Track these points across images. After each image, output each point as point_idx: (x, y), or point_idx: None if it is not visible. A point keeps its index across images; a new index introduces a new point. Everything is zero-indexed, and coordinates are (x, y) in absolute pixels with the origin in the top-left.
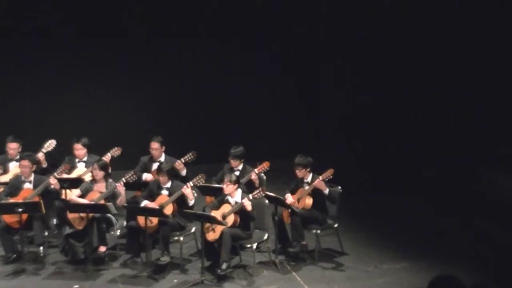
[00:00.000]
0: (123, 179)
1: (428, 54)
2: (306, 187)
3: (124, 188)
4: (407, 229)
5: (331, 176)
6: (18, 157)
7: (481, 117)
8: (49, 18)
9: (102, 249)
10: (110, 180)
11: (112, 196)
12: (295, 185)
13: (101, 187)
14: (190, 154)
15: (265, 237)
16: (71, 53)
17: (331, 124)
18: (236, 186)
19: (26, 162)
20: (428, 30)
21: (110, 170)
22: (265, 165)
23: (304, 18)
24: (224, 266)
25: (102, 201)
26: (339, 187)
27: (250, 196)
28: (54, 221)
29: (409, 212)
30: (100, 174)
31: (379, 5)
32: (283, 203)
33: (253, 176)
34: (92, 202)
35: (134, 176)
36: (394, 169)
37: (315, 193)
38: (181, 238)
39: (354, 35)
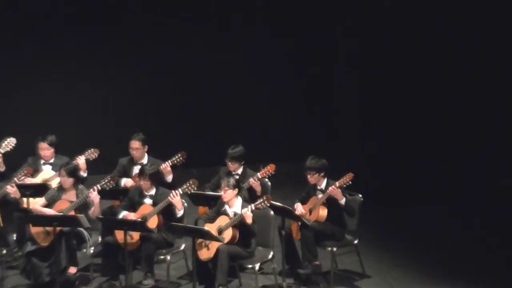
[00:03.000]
0: (98, 186)
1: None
2: (320, 196)
3: (99, 196)
4: (441, 247)
5: (350, 182)
6: None
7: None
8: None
9: (72, 270)
10: (81, 187)
11: (83, 206)
12: (307, 193)
13: (70, 195)
14: (179, 155)
15: (270, 256)
16: (40, 40)
17: (348, 122)
18: (236, 191)
19: None
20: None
21: (85, 174)
22: (270, 169)
23: (317, 16)
24: None
25: (72, 212)
26: (360, 196)
27: (252, 206)
28: (14, 236)
29: (443, 226)
30: (68, 181)
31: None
32: (291, 215)
33: (255, 182)
34: (60, 213)
35: (111, 182)
36: (425, 174)
37: (331, 202)
38: (168, 257)
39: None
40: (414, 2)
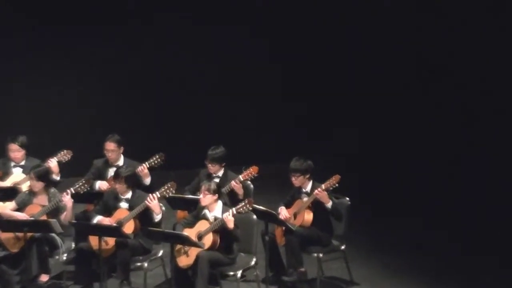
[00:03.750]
0: (71, 189)
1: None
2: (305, 199)
3: (72, 200)
4: (433, 253)
5: (337, 185)
6: None
7: None
8: None
9: (44, 278)
10: (53, 190)
11: (56, 210)
12: (291, 196)
13: (42, 199)
14: (157, 156)
15: (253, 263)
16: (9, 39)
17: (336, 120)
18: (216, 197)
19: None
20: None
21: (58, 178)
22: (253, 171)
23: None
24: None
25: (44, 217)
26: (347, 199)
27: (234, 210)
28: None
29: (434, 231)
30: (38, 185)
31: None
32: (275, 219)
33: (238, 185)
34: (31, 218)
35: (86, 185)
36: (417, 177)
37: (317, 206)
38: (145, 264)
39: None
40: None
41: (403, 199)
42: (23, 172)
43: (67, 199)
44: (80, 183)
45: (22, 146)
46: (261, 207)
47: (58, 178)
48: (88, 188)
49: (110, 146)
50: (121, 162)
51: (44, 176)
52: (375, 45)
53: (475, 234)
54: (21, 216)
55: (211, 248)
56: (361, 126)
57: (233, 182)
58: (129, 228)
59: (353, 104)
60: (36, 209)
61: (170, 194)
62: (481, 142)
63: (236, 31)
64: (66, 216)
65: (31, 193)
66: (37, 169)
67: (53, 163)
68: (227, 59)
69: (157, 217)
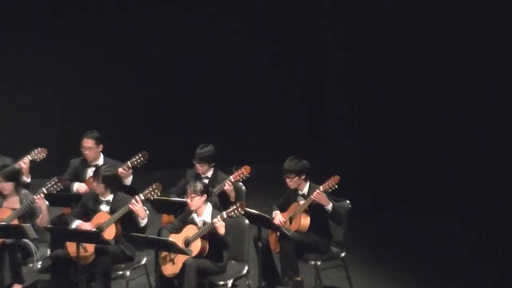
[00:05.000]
0: (43, 189)
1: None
2: (302, 202)
3: (47, 202)
4: (437, 260)
5: (336, 186)
6: None
7: None
8: None
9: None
10: (24, 191)
11: (29, 214)
12: (286, 199)
13: (13, 202)
14: (140, 155)
15: (245, 271)
16: None
17: (334, 117)
18: (205, 197)
19: None
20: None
21: (29, 179)
22: (244, 171)
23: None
24: None
25: (16, 221)
26: (347, 202)
27: (224, 214)
28: None
29: (439, 237)
30: (7, 186)
31: None
32: (269, 224)
33: (228, 187)
34: (2, 223)
35: (59, 183)
36: (420, 181)
37: (314, 210)
38: (128, 273)
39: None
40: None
41: (408, 204)
42: None
43: (41, 201)
44: (52, 182)
45: None
46: (254, 211)
47: (28, 180)
48: (61, 187)
49: (88, 143)
50: (100, 161)
51: (12, 176)
52: (376, 41)
53: (479, 242)
54: None
55: (199, 255)
56: (362, 126)
57: (225, 183)
58: (110, 233)
59: (354, 101)
60: (6, 213)
61: (155, 197)
62: (490, 143)
63: (229, 28)
64: (42, 219)
65: (0, 196)
66: (4, 170)
67: (25, 162)
68: (217, 55)
69: (143, 222)
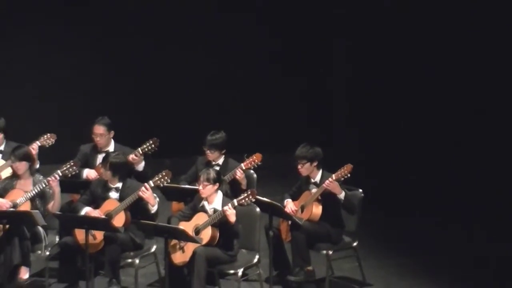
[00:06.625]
0: (58, 172)
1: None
2: (314, 190)
3: (59, 187)
4: (451, 252)
5: (349, 175)
6: None
7: None
8: None
9: (24, 275)
10: (37, 175)
11: (41, 198)
12: (298, 188)
13: (26, 184)
14: (150, 142)
15: (255, 260)
16: None
17: (344, 110)
18: (216, 186)
19: None
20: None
21: (37, 165)
22: (256, 159)
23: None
24: None
25: (28, 204)
26: (360, 190)
27: (235, 202)
28: None
29: (452, 229)
30: (21, 166)
31: None
32: (280, 213)
33: (239, 174)
34: (12, 209)
35: (74, 167)
36: (433, 173)
37: (326, 198)
38: (137, 261)
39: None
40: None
41: (420, 194)
42: (2, 157)
43: (55, 184)
44: (68, 165)
45: (0, 129)
46: (265, 199)
47: (36, 165)
48: (76, 171)
49: (99, 130)
50: (111, 148)
51: (26, 156)
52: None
53: (494, 234)
54: (2, 204)
55: (210, 243)
56: (374, 115)
57: (236, 171)
58: (119, 220)
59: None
60: (19, 194)
61: (165, 184)
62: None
63: (240, 15)
64: (54, 205)
65: (14, 177)
66: (17, 151)
67: (34, 148)
68: (226, 43)
69: (153, 209)
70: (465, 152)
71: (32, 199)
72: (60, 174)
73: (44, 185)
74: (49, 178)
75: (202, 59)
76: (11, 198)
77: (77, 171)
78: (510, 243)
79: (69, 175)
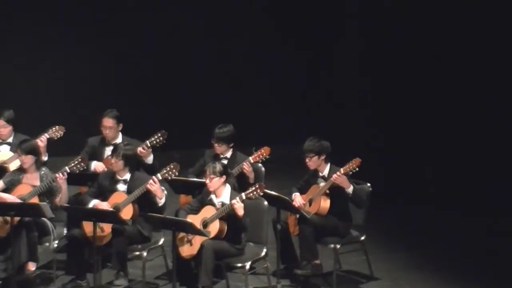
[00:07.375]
0: (66, 168)
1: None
2: (322, 184)
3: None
4: (459, 246)
5: (357, 169)
6: None
7: None
8: None
9: (31, 267)
10: (44, 169)
11: (49, 192)
12: (306, 181)
13: (33, 178)
14: (159, 135)
15: (263, 254)
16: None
17: (353, 103)
18: (224, 178)
19: None
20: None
21: (46, 158)
22: (264, 152)
23: None
24: None
25: (35, 199)
26: (368, 184)
27: (243, 195)
28: None
29: (460, 223)
30: (28, 159)
31: None
32: (288, 206)
33: (247, 168)
34: (20, 201)
35: (82, 163)
36: (442, 166)
37: (334, 192)
38: (144, 254)
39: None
40: None
41: (428, 188)
42: (11, 149)
43: (62, 180)
44: (76, 162)
45: (8, 121)
46: (273, 192)
47: (45, 158)
48: (84, 168)
49: (108, 122)
50: (119, 140)
51: (32, 150)
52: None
53: (503, 228)
54: (9, 198)
55: (217, 237)
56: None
57: (244, 164)
58: (127, 213)
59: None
60: (26, 189)
61: (173, 177)
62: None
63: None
64: (61, 199)
65: (21, 171)
66: (24, 144)
67: (43, 140)
68: (234, 33)
69: (161, 201)
70: (474, 146)
71: (40, 194)
72: (68, 170)
73: (51, 182)
74: (56, 175)
75: (210, 51)
76: (18, 193)
77: (85, 167)
78: None
79: (77, 172)
